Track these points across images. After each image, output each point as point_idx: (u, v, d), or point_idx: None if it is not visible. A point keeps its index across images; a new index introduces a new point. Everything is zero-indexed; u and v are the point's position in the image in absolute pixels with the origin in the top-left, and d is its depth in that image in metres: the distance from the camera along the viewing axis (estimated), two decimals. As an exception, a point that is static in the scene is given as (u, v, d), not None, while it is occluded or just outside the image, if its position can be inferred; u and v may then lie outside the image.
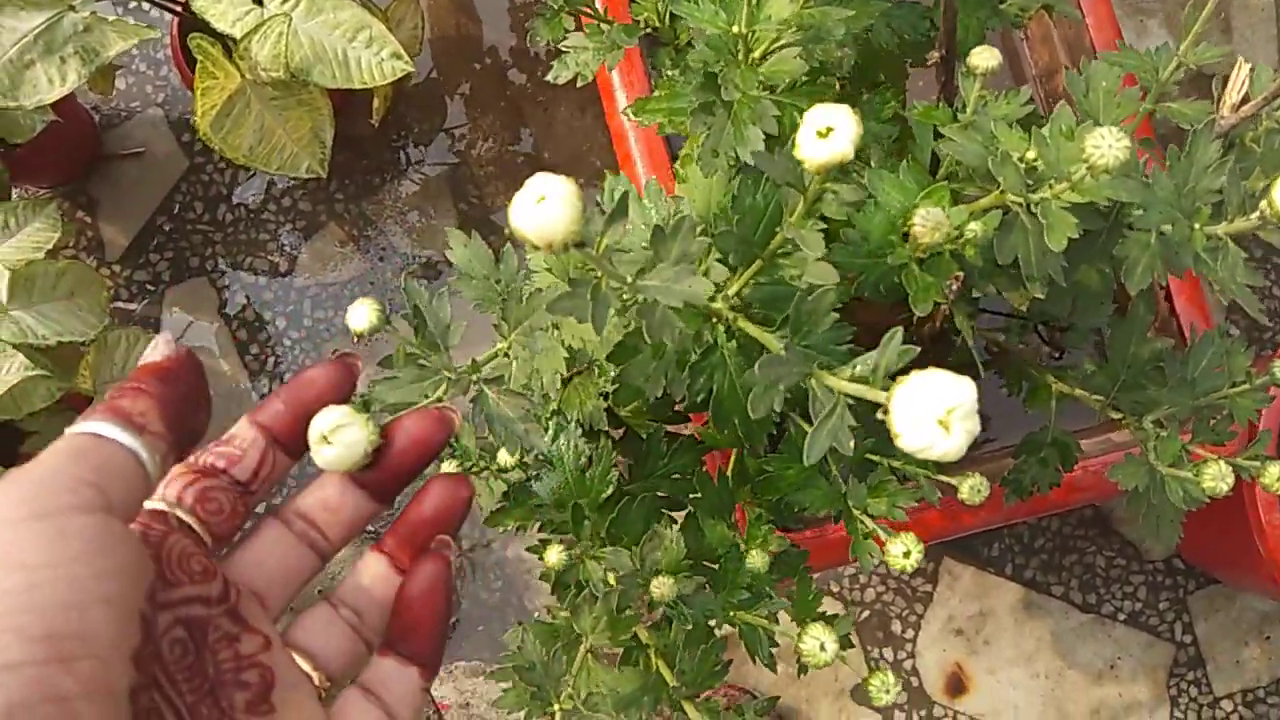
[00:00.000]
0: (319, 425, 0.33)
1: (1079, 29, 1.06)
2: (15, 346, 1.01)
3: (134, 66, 1.46)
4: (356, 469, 0.33)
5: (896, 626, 1.36)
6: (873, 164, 0.70)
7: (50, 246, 1.09)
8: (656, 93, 0.77)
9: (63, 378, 1.09)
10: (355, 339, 0.55)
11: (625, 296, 0.49)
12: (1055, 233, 0.50)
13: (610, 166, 1.48)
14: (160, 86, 1.45)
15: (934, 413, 0.34)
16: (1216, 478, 0.63)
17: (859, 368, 0.42)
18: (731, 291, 0.58)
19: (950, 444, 0.34)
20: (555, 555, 0.71)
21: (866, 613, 1.36)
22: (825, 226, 0.52)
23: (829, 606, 1.36)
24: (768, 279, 0.56)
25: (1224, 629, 1.37)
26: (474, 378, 0.53)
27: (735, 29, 0.63)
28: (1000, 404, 1.03)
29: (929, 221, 0.46)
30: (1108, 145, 0.45)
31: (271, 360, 1.40)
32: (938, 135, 0.64)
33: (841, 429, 0.44)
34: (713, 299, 0.58)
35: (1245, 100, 0.55)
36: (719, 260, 0.59)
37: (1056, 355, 0.87)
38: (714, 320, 0.60)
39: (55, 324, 1.06)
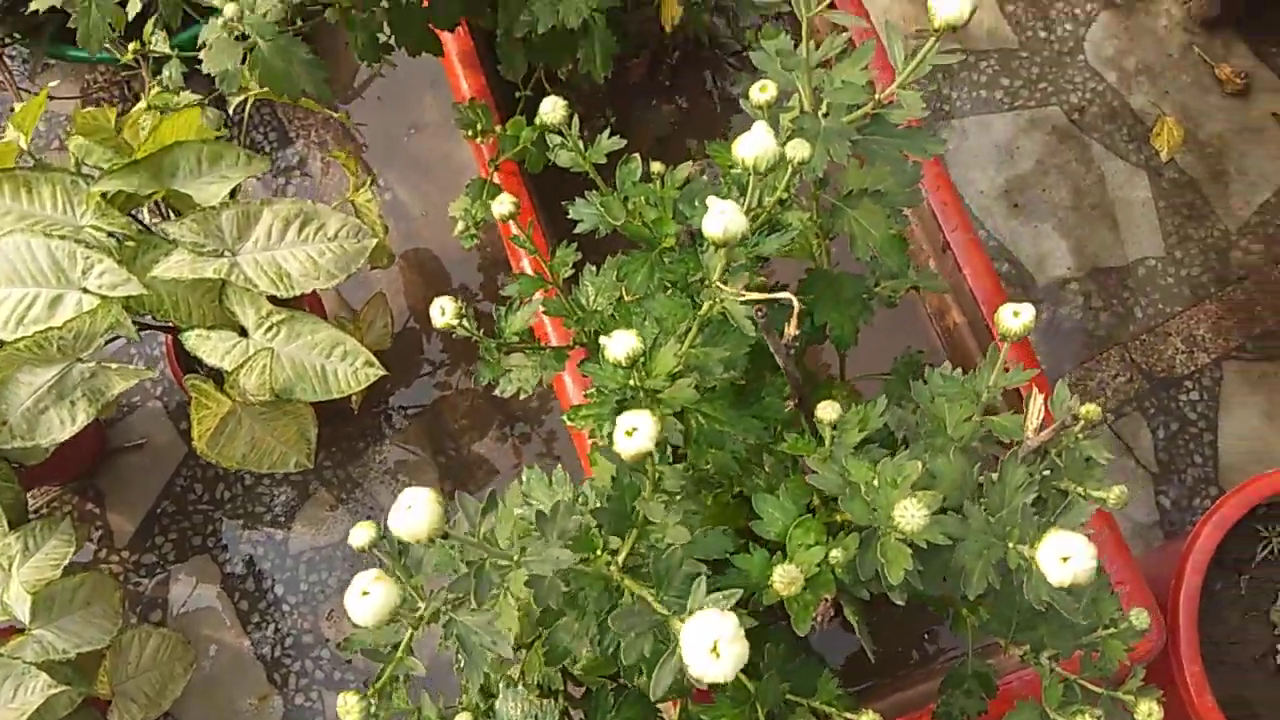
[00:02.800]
0: None
1: (959, 277, 1.21)
2: (38, 666, 1.11)
3: (133, 366, 1.61)
4: None
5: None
6: (767, 469, 0.83)
7: (66, 562, 1.20)
8: (589, 402, 0.90)
9: (82, 684, 1.18)
10: (358, 551, 0.65)
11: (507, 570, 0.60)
12: (894, 567, 0.62)
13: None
14: (158, 381, 1.60)
15: (705, 644, 0.45)
16: (1086, 729, 0.72)
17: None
18: (621, 557, 0.68)
19: (720, 668, 0.45)
20: None
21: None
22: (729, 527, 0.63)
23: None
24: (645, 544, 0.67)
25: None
26: (442, 606, 0.63)
27: (632, 382, 0.76)
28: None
29: (785, 578, 0.58)
30: (910, 514, 0.57)
31: (272, 627, 1.50)
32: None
33: (680, 666, 0.54)
34: (609, 563, 0.69)
35: (1046, 424, 0.68)
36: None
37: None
38: (611, 582, 0.70)
39: (75, 636, 1.17)
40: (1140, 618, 0.78)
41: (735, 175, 0.79)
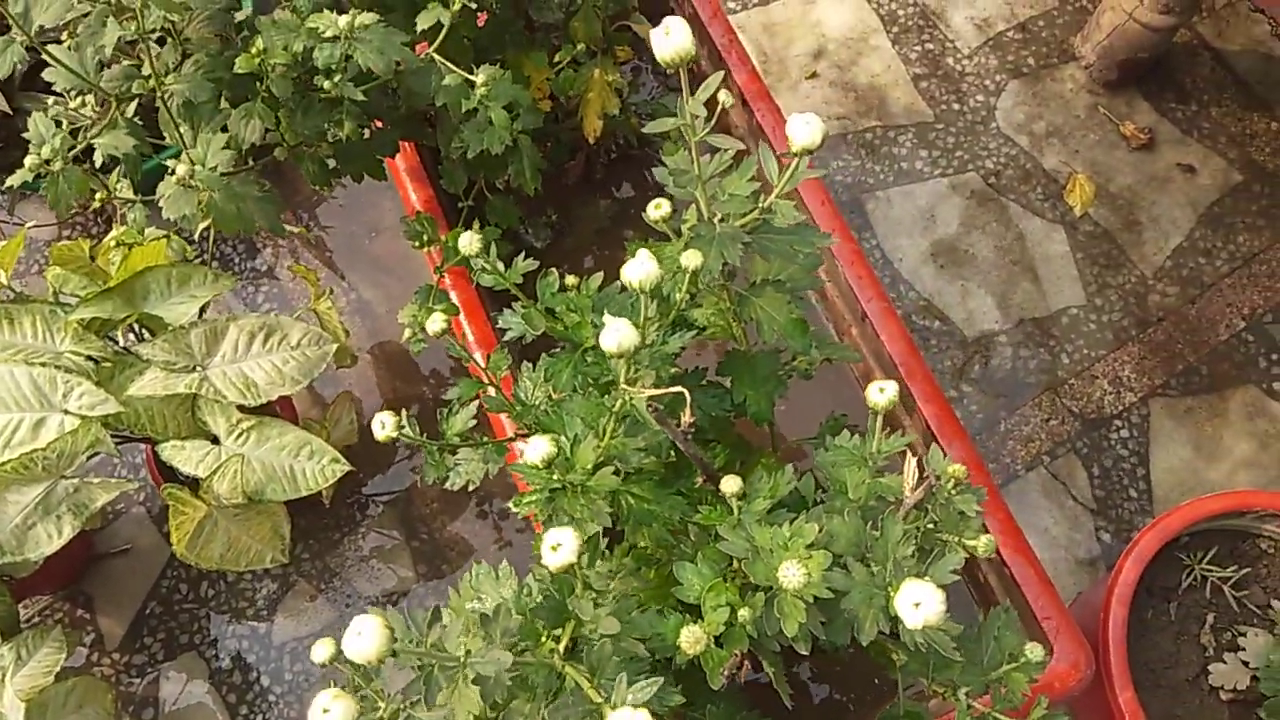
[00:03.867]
0: None
1: (878, 343, 1.30)
2: (34, 770, 1.17)
3: (117, 474, 1.69)
4: None
5: None
6: (692, 536, 0.91)
7: (58, 669, 1.26)
8: (531, 488, 0.98)
9: (77, 785, 1.24)
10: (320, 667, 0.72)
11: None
12: (789, 621, 0.70)
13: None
14: (140, 488, 1.67)
15: None
16: (990, 758, 0.80)
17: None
18: (561, 646, 0.76)
19: None
20: None
21: None
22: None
23: None
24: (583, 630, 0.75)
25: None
26: (400, 706, 0.70)
27: (556, 477, 0.85)
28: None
29: (690, 638, 0.66)
30: (791, 574, 0.66)
31: (260, 718, 1.56)
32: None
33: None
34: (552, 650, 0.77)
35: (920, 482, 0.77)
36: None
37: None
38: (555, 668, 0.78)
39: (67, 740, 1.23)
40: (1035, 651, 0.86)
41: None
